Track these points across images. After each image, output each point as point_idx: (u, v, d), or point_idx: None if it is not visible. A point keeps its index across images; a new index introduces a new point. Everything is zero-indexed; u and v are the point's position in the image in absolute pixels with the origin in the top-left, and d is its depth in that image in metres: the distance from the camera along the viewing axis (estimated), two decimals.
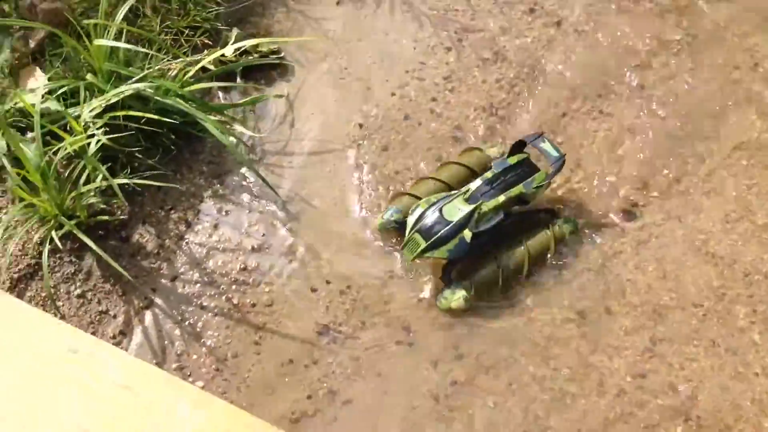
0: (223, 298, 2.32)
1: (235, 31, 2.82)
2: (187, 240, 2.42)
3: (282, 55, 2.83)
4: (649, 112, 2.69)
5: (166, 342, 2.24)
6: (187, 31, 2.77)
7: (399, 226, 2.35)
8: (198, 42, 2.76)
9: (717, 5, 2.93)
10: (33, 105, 2.25)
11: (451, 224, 2.21)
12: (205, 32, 2.80)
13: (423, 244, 2.22)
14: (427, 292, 2.32)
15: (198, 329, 2.27)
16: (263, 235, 2.44)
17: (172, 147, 2.53)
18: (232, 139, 2.54)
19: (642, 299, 2.29)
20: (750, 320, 2.23)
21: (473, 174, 2.42)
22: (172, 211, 2.47)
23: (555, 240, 2.34)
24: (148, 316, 2.28)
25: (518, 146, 2.40)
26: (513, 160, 2.37)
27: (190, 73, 2.54)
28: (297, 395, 2.15)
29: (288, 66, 2.83)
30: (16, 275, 2.29)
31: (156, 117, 2.33)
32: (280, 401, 2.13)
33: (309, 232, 2.46)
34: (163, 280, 2.35)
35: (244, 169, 2.57)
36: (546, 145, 2.36)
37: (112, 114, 2.30)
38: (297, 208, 2.51)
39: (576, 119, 2.69)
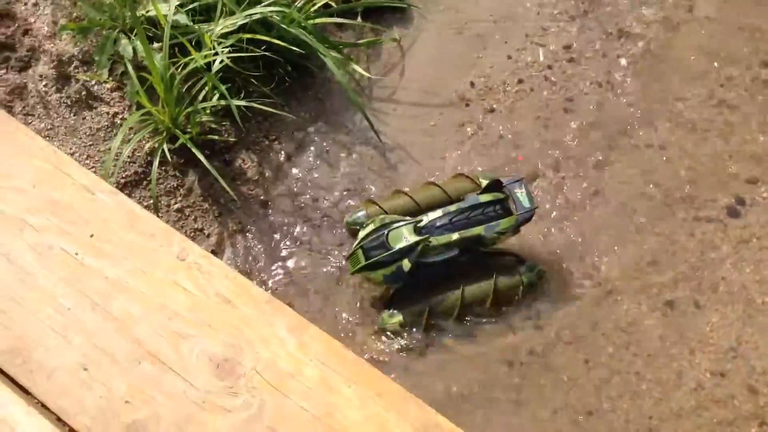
0: (314, 233, 2.38)
1: None
2: (286, 171, 2.48)
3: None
4: None
5: (254, 267, 2.31)
6: None
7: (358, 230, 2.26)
8: None
9: None
10: (165, 15, 2.31)
11: (391, 251, 2.11)
12: None
13: (362, 262, 2.14)
14: None
15: (286, 260, 2.33)
16: (359, 179, 2.48)
17: (287, 78, 2.58)
18: (346, 76, 2.55)
19: (734, 298, 2.24)
20: None
21: (451, 201, 2.27)
22: (276, 142, 2.53)
23: (521, 286, 2.23)
24: (239, 239, 2.36)
25: (497, 185, 2.21)
26: (485, 198, 2.19)
27: (316, 7, 2.56)
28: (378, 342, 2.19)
29: (410, 11, 2.83)
30: (122, 180, 2.37)
31: (279, 43, 2.36)
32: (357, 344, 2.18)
33: (404, 182, 2.48)
34: (258, 207, 2.42)
35: (351, 110, 2.59)
36: (520, 193, 2.18)
37: (238, 36, 2.35)
38: (395, 157, 2.54)
39: (690, 108, 2.61)
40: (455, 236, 2.14)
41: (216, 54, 2.30)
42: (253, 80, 2.48)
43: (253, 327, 1.63)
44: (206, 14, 2.49)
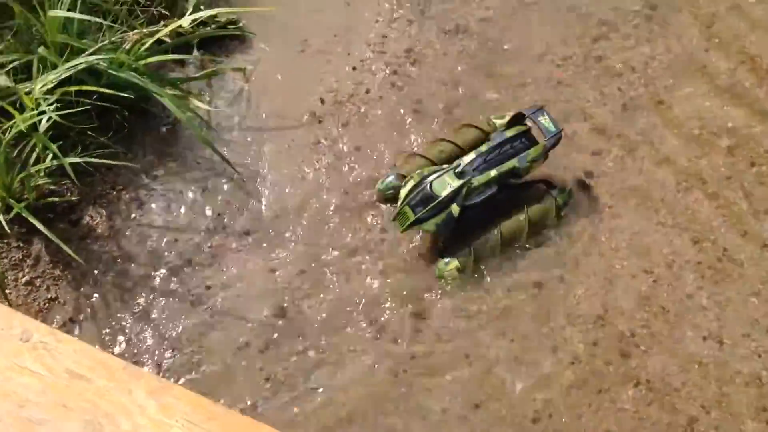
0: (177, 280, 2.31)
1: (192, 1, 2.78)
2: (139, 221, 2.40)
3: (241, 25, 2.81)
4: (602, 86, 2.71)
5: (117, 327, 2.22)
6: (143, 1, 2.71)
7: (395, 193, 2.37)
8: (154, 12, 2.71)
9: None
10: None
11: (439, 199, 2.23)
12: (162, 2, 2.75)
13: (411, 218, 2.25)
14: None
15: (151, 313, 2.25)
16: (219, 214, 2.43)
17: (125, 124, 2.51)
18: (188, 114, 2.50)
19: (595, 268, 2.33)
20: (698, 285, 2.28)
21: (463, 152, 2.40)
22: (124, 191, 2.45)
23: (555, 209, 2.38)
24: (98, 302, 2.26)
25: (518, 118, 2.37)
26: (511, 132, 2.35)
27: (146, 46, 2.50)
28: (256, 379, 2.15)
29: (247, 37, 2.80)
30: None
31: (109, 92, 2.28)
32: (237, 386, 2.13)
33: (266, 210, 2.45)
34: (114, 264, 2.33)
35: (200, 146, 2.54)
36: (544, 119, 2.33)
37: (64, 89, 2.26)
38: (254, 185, 2.50)
39: (537, 90, 2.70)
40: (493, 172, 2.28)
41: (41, 113, 2.19)
42: (89, 132, 2.39)
43: (110, 399, 1.56)
44: (28, 71, 2.38)
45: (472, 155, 2.31)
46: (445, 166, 2.34)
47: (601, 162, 2.53)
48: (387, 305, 2.27)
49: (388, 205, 2.44)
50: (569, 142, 2.53)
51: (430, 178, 2.27)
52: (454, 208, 2.26)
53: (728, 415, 2.07)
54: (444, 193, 2.24)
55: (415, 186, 2.28)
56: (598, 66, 2.74)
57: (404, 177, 2.38)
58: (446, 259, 2.32)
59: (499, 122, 2.44)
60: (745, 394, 2.10)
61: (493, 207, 2.36)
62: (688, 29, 2.81)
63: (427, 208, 2.24)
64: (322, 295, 2.29)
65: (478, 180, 2.28)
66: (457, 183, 2.25)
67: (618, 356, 2.17)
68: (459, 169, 2.28)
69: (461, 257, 2.31)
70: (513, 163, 2.30)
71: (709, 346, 2.18)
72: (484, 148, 2.33)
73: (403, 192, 2.30)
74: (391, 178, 2.42)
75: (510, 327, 2.24)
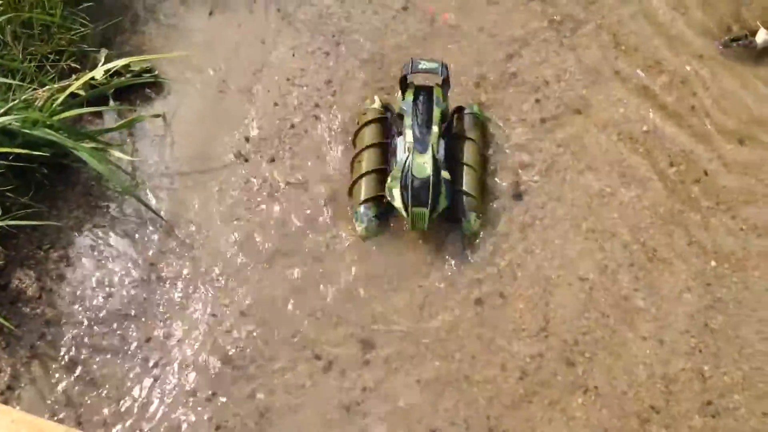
0: (116, 336, 2.25)
1: (104, 52, 2.73)
2: (69, 279, 2.34)
3: (156, 72, 2.76)
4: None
5: (59, 391, 2.15)
6: (52, 56, 2.65)
7: (379, 218, 2.43)
8: (65, 66, 2.65)
9: None
10: None
11: (431, 178, 2.31)
12: (72, 56, 2.69)
13: (427, 212, 2.31)
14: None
15: (92, 373, 2.19)
16: (152, 264, 2.38)
17: (45, 181, 2.44)
18: (109, 166, 2.44)
19: (533, 281, 2.37)
20: (633, 288, 2.35)
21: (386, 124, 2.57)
22: (52, 250, 2.37)
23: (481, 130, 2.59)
24: (36, 366, 2.19)
25: (403, 83, 2.51)
26: (410, 95, 2.48)
27: (59, 101, 2.43)
28: (206, 429, 2.10)
29: (163, 83, 2.76)
30: None
31: (25, 152, 2.21)
32: None
33: (201, 255, 2.41)
34: (48, 326, 2.26)
35: (126, 197, 2.48)
36: (423, 64, 2.47)
37: None
38: (186, 231, 2.46)
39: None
40: (435, 128, 2.41)
41: None
42: (8, 194, 2.31)
43: None
44: None
45: (406, 131, 2.41)
46: (396, 157, 2.43)
47: (527, 175, 2.58)
48: (333, 337, 2.26)
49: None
50: (495, 157, 2.58)
51: (407, 172, 2.32)
52: (445, 174, 2.37)
53: (676, 412, 2.13)
54: (429, 171, 2.31)
55: (403, 187, 2.32)
56: (514, 82, 2.80)
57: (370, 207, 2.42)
58: (467, 218, 2.41)
59: (374, 104, 2.61)
60: (690, 391, 2.16)
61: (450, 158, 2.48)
62: (595, 39, 2.90)
63: (430, 194, 2.30)
64: (266, 336, 2.26)
65: (434, 139, 2.38)
66: (428, 155, 2.35)
67: (564, 366, 2.21)
68: (412, 146, 2.37)
69: (473, 209, 2.43)
70: (438, 111, 2.44)
71: (651, 346, 2.24)
72: (408, 121, 2.42)
73: (397, 201, 2.34)
74: (363, 211, 2.43)
75: (457, 347, 2.25)
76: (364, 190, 2.44)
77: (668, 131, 2.66)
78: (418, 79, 2.53)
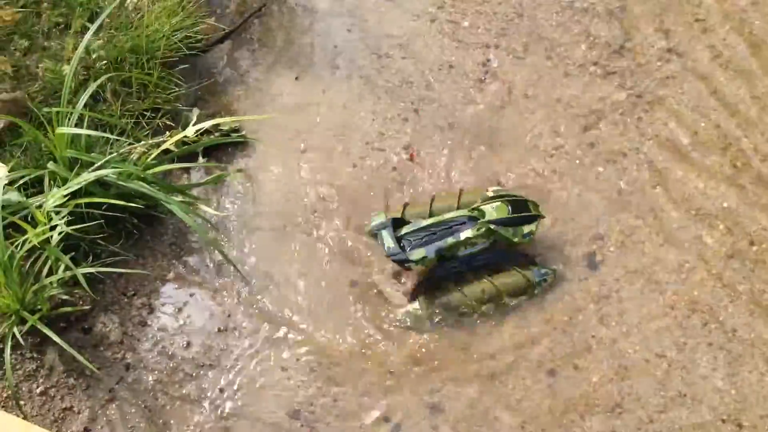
0: (191, 384, 2.31)
1: (195, 111, 2.87)
2: (150, 326, 2.42)
3: (243, 132, 2.87)
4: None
5: None
6: (148, 114, 2.80)
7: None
8: (159, 124, 2.79)
9: None
10: None
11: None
12: (166, 113, 2.83)
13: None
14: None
15: (167, 419, 2.24)
16: (228, 315, 2.45)
17: (134, 231, 2.54)
18: (196, 219, 2.54)
19: (608, 354, 2.33)
20: (712, 367, 2.28)
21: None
22: (135, 297, 2.46)
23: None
24: (113, 409, 2.26)
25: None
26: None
27: (152, 156, 2.56)
28: None
29: (249, 143, 2.87)
30: None
31: (120, 203, 2.32)
32: None
33: (275, 308, 2.47)
34: (127, 370, 2.33)
35: (208, 249, 2.57)
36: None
37: (75, 202, 2.30)
38: (262, 286, 2.53)
39: (519, 177, 2.77)
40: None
41: (53, 227, 2.23)
42: (100, 241, 2.42)
43: None
44: (39, 185, 2.43)
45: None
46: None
47: (604, 246, 2.57)
48: (401, 398, 2.26)
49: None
50: (571, 228, 2.58)
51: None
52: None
53: None
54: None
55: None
56: (591, 153, 2.82)
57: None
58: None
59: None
60: None
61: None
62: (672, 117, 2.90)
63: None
64: (334, 392, 2.28)
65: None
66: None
67: None
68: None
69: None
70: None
71: (729, 429, 2.16)
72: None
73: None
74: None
75: (528, 419, 2.22)
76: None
77: (749, 211, 2.61)
78: None
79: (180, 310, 2.45)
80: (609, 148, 2.82)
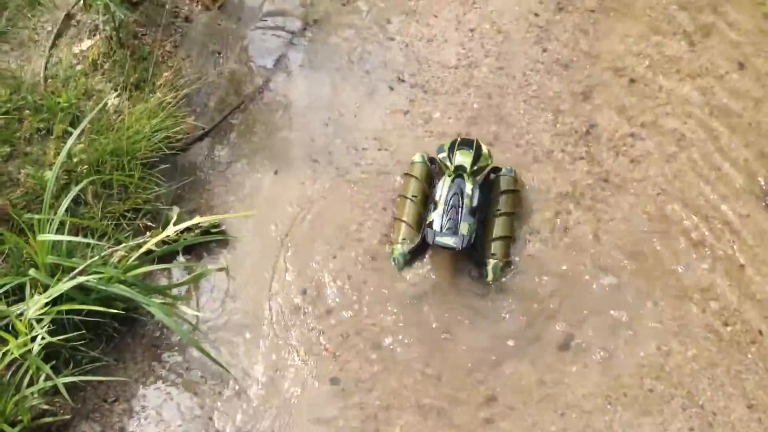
0: None
1: (175, 210, 2.91)
2: None
3: (223, 228, 2.92)
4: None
5: None
6: (129, 214, 2.85)
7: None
8: (140, 225, 2.83)
9: None
10: None
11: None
12: (147, 213, 2.88)
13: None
14: None
15: None
16: (209, 418, 2.44)
17: (115, 335, 2.56)
18: (175, 319, 2.56)
19: None
20: None
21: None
22: (116, 403, 2.46)
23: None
24: None
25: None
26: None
27: (133, 258, 2.59)
28: None
29: (228, 239, 2.91)
30: None
31: (101, 309, 2.34)
32: None
33: (259, 406, 2.47)
34: None
35: (189, 348, 2.58)
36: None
37: (56, 309, 2.32)
38: (245, 383, 2.53)
39: None
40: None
41: (34, 338, 2.24)
42: (80, 348, 2.43)
43: None
44: (20, 292, 2.45)
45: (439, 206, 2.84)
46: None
47: (582, 337, 2.61)
48: None
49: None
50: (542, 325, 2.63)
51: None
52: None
53: None
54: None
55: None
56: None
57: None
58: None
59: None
60: None
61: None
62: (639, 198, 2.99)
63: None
64: None
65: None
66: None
67: None
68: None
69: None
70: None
71: None
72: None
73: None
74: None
75: None
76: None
77: (722, 290, 2.68)
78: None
79: (161, 414, 2.45)
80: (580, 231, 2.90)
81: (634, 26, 3.46)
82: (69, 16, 3.33)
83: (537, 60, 3.39)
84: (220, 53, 3.44)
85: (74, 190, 2.62)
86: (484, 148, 2.96)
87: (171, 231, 2.73)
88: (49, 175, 2.63)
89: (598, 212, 2.95)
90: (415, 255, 2.86)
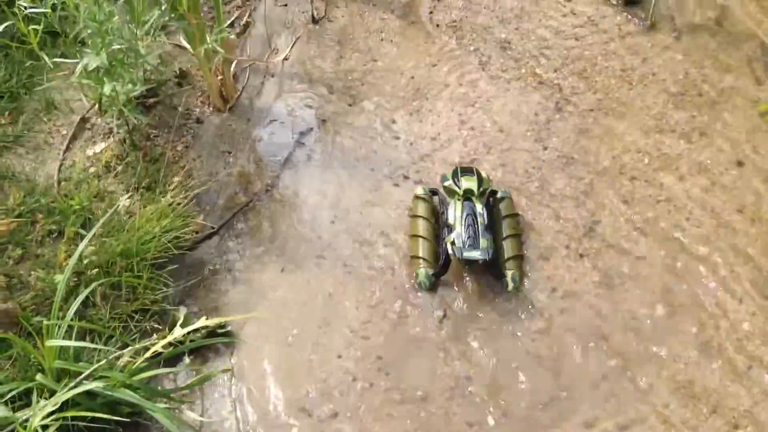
0: None
1: (183, 310, 2.93)
2: None
3: (229, 329, 2.93)
4: None
5: None
6: (136, 316, 2.87)
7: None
8: (147, 327, 2.85)
9: None
10: None
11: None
12: (154, 314, 2.90)
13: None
14: None
15: None
16: None
17: None
18: (179, 425, 2.53)
19: None
20: None
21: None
22: None
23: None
24: None
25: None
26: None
27: (139, 361, 2.60)
28: None
29: (235, 341, 2.91)
30: None
31: (106, 416, 2.33)
32: None
33: None
34: None
35: None
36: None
37: (62, 415, 2.31)
38: None
39: None
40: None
41: None
42: None
43: None
44: (27, 396, 2.45)
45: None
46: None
47: None
48: None
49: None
50: None
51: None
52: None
53: None
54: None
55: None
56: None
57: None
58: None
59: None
60: None
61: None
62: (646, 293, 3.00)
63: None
64: None
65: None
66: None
67: None
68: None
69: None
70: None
71: None
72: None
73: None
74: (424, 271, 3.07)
75: None
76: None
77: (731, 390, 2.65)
78: None
79: None
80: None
81: (633, 125, 3.56)
82: (84, 120, 3.45)
83: (538, 157, 3.47)
84: (230, 153, 3.53)
85: (83, 293, 2.65)
86: (483, 173, 3.26)
87: (178, 333, 2.74)
88: (59, 278, 2.68)
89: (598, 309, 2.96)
90: (437, 277, 3.07)
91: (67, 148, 3.33)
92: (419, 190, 3.29)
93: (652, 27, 4.01)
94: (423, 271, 3.06)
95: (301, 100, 3.76)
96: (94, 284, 2.72)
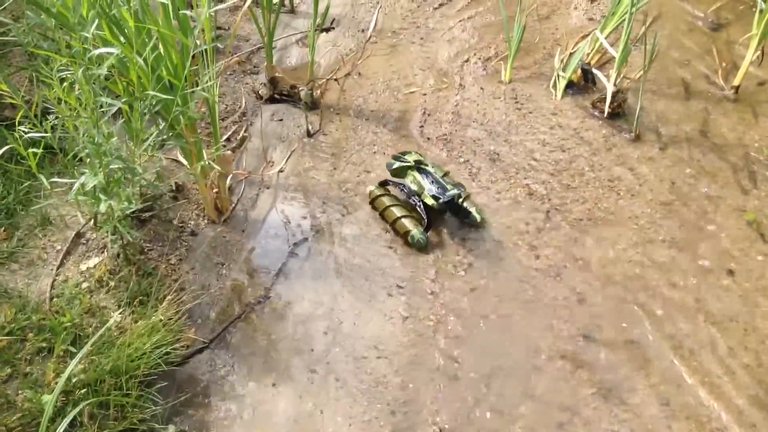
0: None
1: (171, 429, 2.88)
2: None
3: None
4: None
5: None
6: None
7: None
8: None
9: None
10: None
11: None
12: None
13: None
14: None
15: None
16: None
17: None
18: None
19: None
20: None
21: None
22: None
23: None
24: None
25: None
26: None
27: None
28: None
29: None
30: None
31: None
32: None
33: None
34: None
35: None
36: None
37: None
38: None
39: None
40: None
41: None
42: None
43: None
44: None
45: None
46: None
47: None
48: None
49: None
50: None
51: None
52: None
53: None
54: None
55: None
56: None
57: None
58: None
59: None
60: None
61: None
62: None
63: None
64: None
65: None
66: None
67: None
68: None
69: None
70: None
71: None
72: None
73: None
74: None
75: None
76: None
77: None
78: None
79: None
80: None
81: (623, 234, 3.61)
82: (78, 235, 3.49)
83: (530, 266, 3.49)
84: (223, 264, 3.55)
85: (71, 414, 2.59)
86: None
87: None
88: (47, 398, 2.63)
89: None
90: (426, 231, 3.57)
91: (61, 264, 3.35)
92: (371, 187, 3.79)
93: (637, 138, 4.13)
94: (416, 231, 3.52)
95: (296, 211, 3.82)
96: (82, 404, 2.67)
